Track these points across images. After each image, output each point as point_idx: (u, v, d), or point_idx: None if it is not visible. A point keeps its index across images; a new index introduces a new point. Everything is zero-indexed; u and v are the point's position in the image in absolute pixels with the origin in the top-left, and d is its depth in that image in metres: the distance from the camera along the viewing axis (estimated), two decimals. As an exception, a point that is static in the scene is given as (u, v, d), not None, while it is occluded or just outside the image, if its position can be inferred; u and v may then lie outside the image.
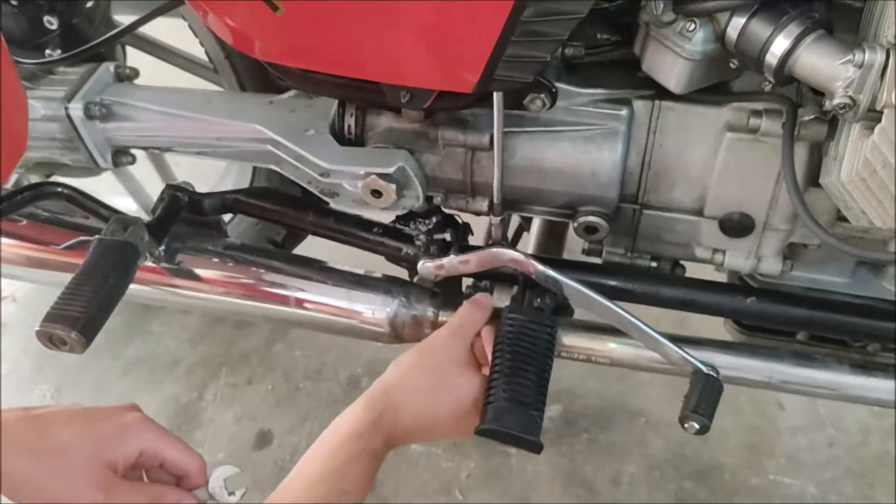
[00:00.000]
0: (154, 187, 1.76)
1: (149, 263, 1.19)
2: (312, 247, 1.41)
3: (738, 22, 0.85)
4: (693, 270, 1.22)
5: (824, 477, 1.68)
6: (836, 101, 0.80)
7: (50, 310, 1.00)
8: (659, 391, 1.83)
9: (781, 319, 1.13)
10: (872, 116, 0.81)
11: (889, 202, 0.82)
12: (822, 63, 0.81)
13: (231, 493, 0.88)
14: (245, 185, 1.60)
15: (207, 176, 1.96)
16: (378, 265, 1.25)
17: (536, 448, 1.00)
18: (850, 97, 0.80)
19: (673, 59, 0.91)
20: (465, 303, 1.10)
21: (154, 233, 1.14)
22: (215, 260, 1.22)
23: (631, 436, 1.75)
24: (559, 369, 1.83)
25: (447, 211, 1.19)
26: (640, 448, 1.73)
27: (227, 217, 1.65)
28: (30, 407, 0.88)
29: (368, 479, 0.91)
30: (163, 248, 1.20)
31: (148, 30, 1.61)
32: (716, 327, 1.29)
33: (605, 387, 1.84)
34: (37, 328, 0.99)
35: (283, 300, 1.21)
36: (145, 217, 1.17)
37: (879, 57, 0.77)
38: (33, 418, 0.85)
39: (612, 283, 1.15)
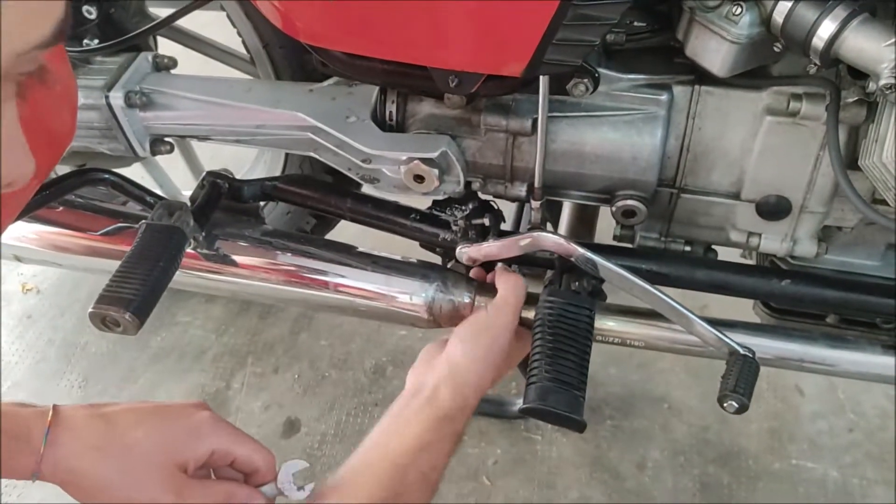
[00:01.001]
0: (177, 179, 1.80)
1: (190, 249, 1.22)
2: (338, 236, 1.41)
3: (785, 6, 0.87)
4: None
5: (845, 461, 1.71)
6: (883, 81, 0.82)
7: (102, 292, 1.02)
8: (679, 377, 1.86)
9: (816, 301, 1.15)
10: (918, 97, 0.83)
11: (934, 181, 0.84)
12: (868, 45, 0.83)
13: (300, 489, 0.88)
14: (276, 173, 1.62)
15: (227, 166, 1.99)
16: (399, 251, 1.27)
17: (580, 427, 1.02)
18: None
19: (718, 42, 0.93)
20: (499, 270, 1.13)
21: (197, 218, 1.15)
22: (254, 246, 1.24)
23: (654, 422, 1.77)
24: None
25: (483, 197, 1.21)
26: (663, 433, 1.75)
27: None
28: (98, 404, 0.87)
29: (450, 458, 0.96)
30: (203, 233, 1.22)
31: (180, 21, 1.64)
32: (736, 313, 1.31)
33: (627, 374, 1.86)
34: (90, 309, 1.01)
35: (323, 285, 1.23)
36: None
37: (927, 38, 0.79)
38: (102, 416, 0.85)
39: (647, 266, 1.17)
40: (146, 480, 0.81)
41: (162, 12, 1.47)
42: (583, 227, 1.41)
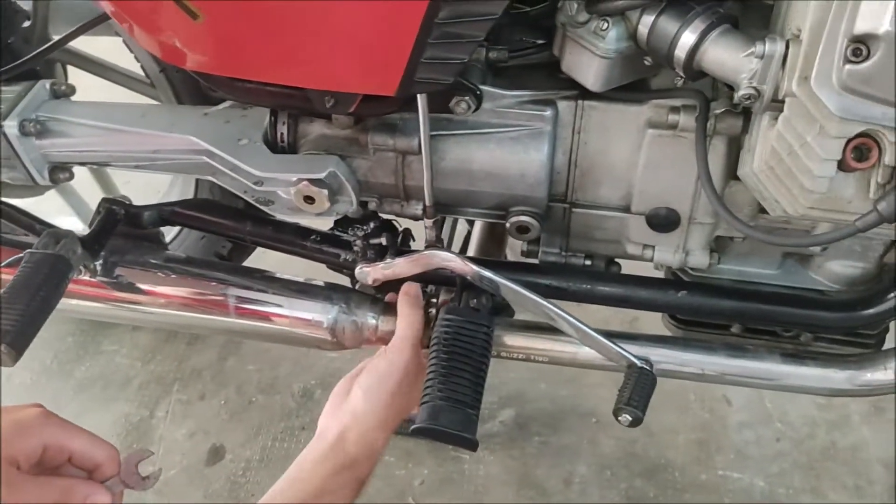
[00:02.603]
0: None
1: (87, 277, 1.20)
2: (263, 259, 1.40)
3: (648, 19, 0.88)
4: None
5: (772, 470, 1.71)
6: (742, 92, 0.84)
7: (-20, 324, 1.00)
8: (609, 392, 1.84)
9: (712, 312, 1.15)
10: (777, 106, 0.84)
11: (797, 189, 0.85)
12: (727, 56, 0.84)
13: (145, 478, 0.85)
14: (189, 197, 1.61)
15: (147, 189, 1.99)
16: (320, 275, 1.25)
17: (472, 445, 1.01)
18: (754, 88, 0.83)
19: (589, 58, 0.94)
20: (400, 300, 1.12)
21: (89, 246, 1.14)
22: (154, 272, 1.23)
23: (582, 436, 1.77)
24: (509, 373, 1.87)
25: (385, 216, 1.21)
26: (591, 448, 1.75)
27: (174, 231, 1.67)
28: None
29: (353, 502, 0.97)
30: (100, 262, 1.20)
31: (90, 48, 1.63)
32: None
33: (556, 389, 1.86)
34: (-33, 342, 0.99)
35: (223, 310, 1.21)
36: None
37: (779, 48, 0.80)
38: None
39: (547, 282, 1.17)
40: None
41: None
42: (492, 244, 1.41)
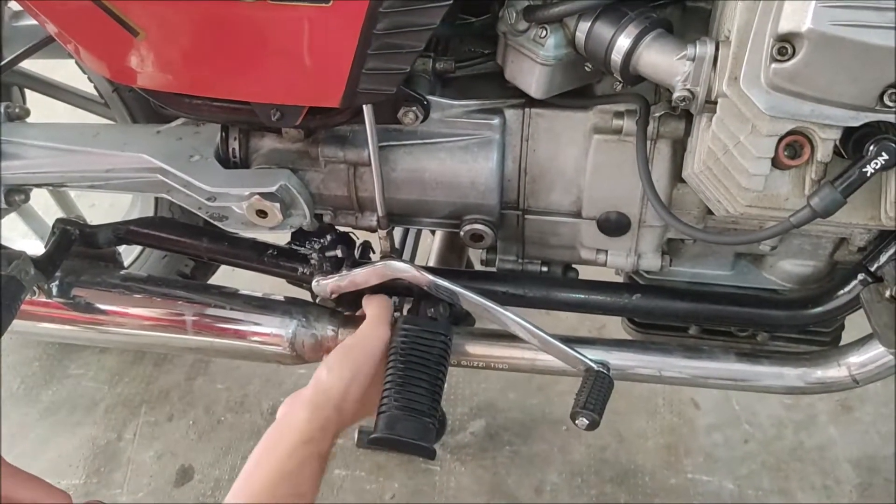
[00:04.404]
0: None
1: (42, 298, 1.20)
2: (235, 275, 1.39)
3: (585, 26, 0.89)
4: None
5: (741, 472, 1.72)
6: (677, 94, 0.85)
7: (-69, 347, 1.00)
8: (579, 400, 1.86)
9: (666, 314, 1.16)
10: (712, 108, 0.85)
11: (735, 188, 0.86)
12: (661, 59, 0.86)
13: None
14: (149, 214, 1.60)
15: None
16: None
17: (430, 454, 1.02)
18: (688, 90, 0.84)
19: (530, 65, 0.95)
20: (368, 298, 1.15)
21: (42, 267, 1.14)
22: (111, 292, 1.23)
23: (553, 444, 1.77)
24: (479, 383, 1.87)
25: (341, 228, 1.21)
26: (562, 456, 1.75)
27: (137, 250, 1.66)
28: None
29: (319, 478, 0.95)
30: (56, 282, 1.20)
31: (54, 73, 1.63)
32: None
33: (526, 398, 1.86)
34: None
35: (181, 327, 1.22)
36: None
37: (710, 50, 0.82)
38: None
39: (504, 289, 1.18)
40: None
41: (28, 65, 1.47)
42: (452, 253, 1.42)
